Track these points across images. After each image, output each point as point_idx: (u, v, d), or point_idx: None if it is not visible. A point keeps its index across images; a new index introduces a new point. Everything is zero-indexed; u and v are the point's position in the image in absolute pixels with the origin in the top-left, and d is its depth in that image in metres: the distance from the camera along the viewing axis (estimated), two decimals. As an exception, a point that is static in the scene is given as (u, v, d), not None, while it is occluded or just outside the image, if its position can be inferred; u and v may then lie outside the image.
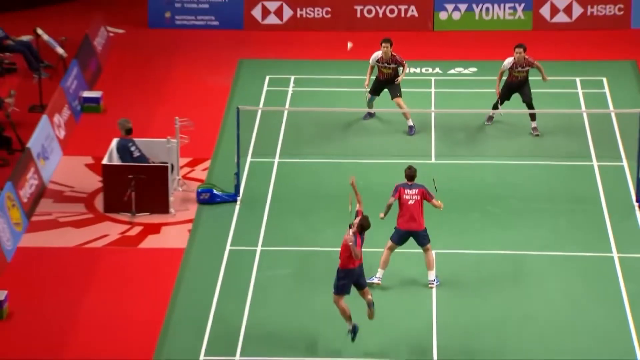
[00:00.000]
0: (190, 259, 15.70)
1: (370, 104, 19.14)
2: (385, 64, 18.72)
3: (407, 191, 14.73)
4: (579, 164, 17.93)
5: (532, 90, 18.65)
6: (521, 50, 18.48)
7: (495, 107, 18.94)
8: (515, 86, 18.72)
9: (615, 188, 17.26)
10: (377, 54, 18.74)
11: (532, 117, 18.76)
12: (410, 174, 14.86)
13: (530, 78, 18.64)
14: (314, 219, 16.44)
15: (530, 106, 18.65)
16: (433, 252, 14.83)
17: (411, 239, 14.82)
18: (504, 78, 18.80)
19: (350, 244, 13.44)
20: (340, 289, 13.65)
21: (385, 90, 18.89)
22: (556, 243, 15.89)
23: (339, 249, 13.77)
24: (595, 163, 17.98)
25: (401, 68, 18.70)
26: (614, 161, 17.98)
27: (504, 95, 18.81)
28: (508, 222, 16.42)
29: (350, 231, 13.61)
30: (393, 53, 18.69)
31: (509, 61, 18.57)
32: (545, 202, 17.00)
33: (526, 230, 16.18)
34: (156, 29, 23.39)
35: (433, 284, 14.79)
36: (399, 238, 14.79)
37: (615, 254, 15.61)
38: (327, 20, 23.60)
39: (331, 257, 15.02)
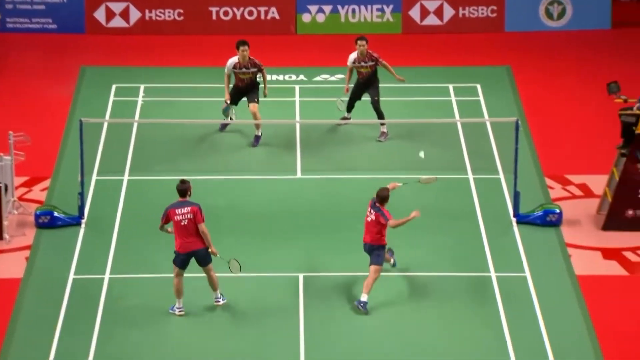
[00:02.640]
0: (27, 291, 15.38)
1: (226, 114, 19.03)
2: (244, 69, 18.65)
3: (178, 211, 14.56)
4: (453, 177, 18.19)
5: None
6: (364, 42, 18.87)
7: (349, 107, 19.21)
8: (363, 84, 19.03)
9: (491, 202, 17.55)
10: (353, 55, 18.79)
11: (381, 119, 18.99)
12: (183, 188, 14.61)
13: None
14: (168, 243, 16.23)
15: (376, 109, 18.93)
16: (214, 273, 14.68)
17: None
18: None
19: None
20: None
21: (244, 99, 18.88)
22: (434, 262, 16.03)
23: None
24: (470, 176, 18.30)
25: (260, 73, 18.71)
26: (490, 174, 18.32)
27: (354, 94, 19.19)
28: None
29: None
30: (251, 57, 18.65)
31: (353, 56, 18.91)
32: (421, 219, 17.18)
33: (403, 249, 16.31)
34: (-16, 33, 23.00)
35: (219, 301, 14.85)
36: (182, 262, 14.64)
37: (493, 274, 15.85)
38: (179, 22, 23.44)
39: (187, 284, 14.81)
